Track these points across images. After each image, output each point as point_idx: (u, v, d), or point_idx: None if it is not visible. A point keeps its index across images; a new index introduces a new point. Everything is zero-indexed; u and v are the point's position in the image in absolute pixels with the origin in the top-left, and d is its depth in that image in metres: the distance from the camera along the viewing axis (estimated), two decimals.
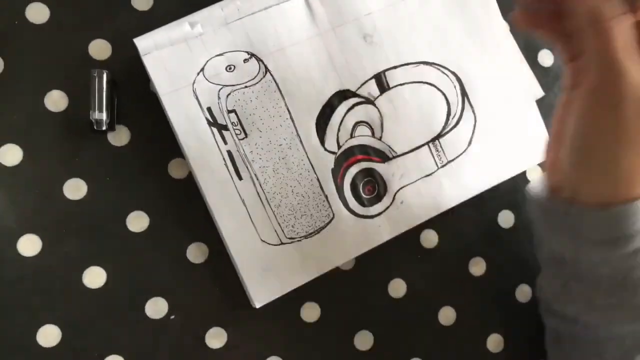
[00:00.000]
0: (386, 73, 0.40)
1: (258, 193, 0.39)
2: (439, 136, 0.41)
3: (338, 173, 0.40)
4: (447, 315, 0.42)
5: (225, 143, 0.38)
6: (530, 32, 0.34)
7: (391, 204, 0.41)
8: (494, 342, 0.43)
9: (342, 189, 0.40)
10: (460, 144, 0.42)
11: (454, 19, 0.41)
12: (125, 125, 0.38)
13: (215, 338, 0.39)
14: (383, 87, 0.40)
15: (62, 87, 0.37)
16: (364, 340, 0.41)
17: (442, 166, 0.41)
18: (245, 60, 0.38)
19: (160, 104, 0.38)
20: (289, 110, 0.39)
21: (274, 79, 0.39)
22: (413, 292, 0.41)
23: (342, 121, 0.40)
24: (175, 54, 0.37)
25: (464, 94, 0.41)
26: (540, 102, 0.43)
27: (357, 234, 0.40)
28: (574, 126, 0.31)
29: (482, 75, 0.42)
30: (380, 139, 0.41)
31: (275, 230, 0.39)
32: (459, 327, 0.42)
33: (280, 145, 0.39)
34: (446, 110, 0.41)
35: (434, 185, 0.41)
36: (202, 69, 0.38)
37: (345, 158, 0.40)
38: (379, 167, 0.41)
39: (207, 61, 0.38)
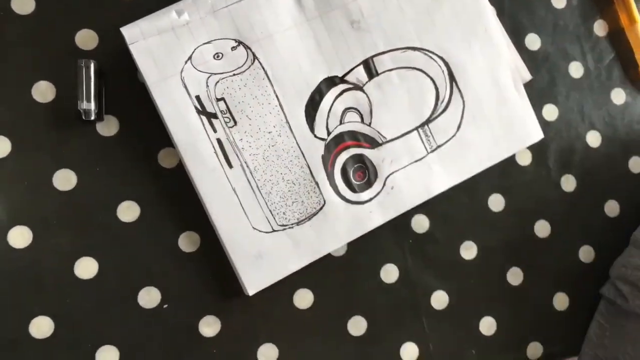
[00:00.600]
0: (374, 59, 0.40)
1: (249, 180, 0.39)
2: (428, 121, 0.42)
3: (328, 159, 0.40)
4: (439, 300, 0.42)
5: (215, 131, 0.38)
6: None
7: (382, 189, 0.41)
8: (487, 325, 0.43)
9: (332, 176, 0.40)
10: (449, 128, 0.42)
11: (441, 4, 0.41)
12: (114, 115, 0.38)
13: (209, 326, 0.39)
14: (371, 73, 0.40)
15: (49, 77, 0.37)
16: (357, 326, 0.41)
17: (432, 151, 0.42)
18: (233, 48, 0.38)
19: (148, 93, 0.37)
20: (277, 98, 0.39)
21: (262, 66, 0.39)
22: (405, 277, 0.42)
23: (331, 108, 0.40)
24: (162, 42, 0.37)
25: (452, 78, 0.42)
26: (528, 86, 0.43)
27: (348, 220, 0.40)
28: None
29: (470, 60, 0.42)
30: (369, 124, 0.41)
31: (267, 218, 0.39)
32: (452, 310, 0.42)
33: (269, 132, 0.39)
34: (434, 95, 0.41)
35: (424, 170, 0.41)
36: (190, 57, 0.38)
37: (335, 144, 0.40)
38: (369, 152, 0.41)
39: (195, 49, 0.38)
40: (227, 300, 0.39)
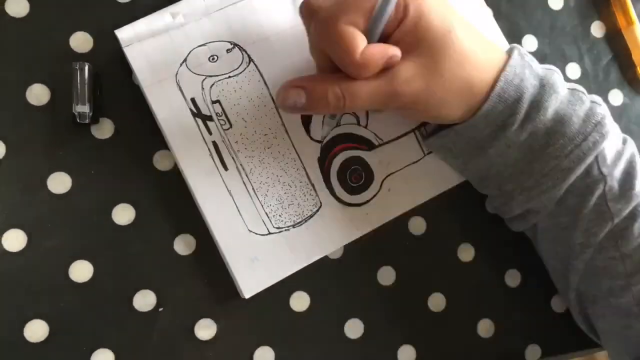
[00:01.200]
0: None
1: (244, 183, 0.38)
2: (425, 123, 0.41)
3: (324, 162, 0.40)
4: (437, 302, 0.42)
5: (210, 134, 0.38)
6: None
7: (378, 191, 0.41)
8: (484, 327, 0.43)
9: (328, 178, 0.40)
10: None
11: None
12: (109, 118, 0.38)
13: (205, 330, 0.39)
14: None
15: (43, 80, 0.37)
16: (354, 329, 0.41)
17: (429, 153, 0.41)
18: (228, 50, 0.38)
19: (143, 96, 0.37)
20: (273, 100, 0.39)
21: (257, 68, 0.39)
22: (402, 279, 0.41)
23: None
24: (157, 45, 0.37)
25: None
26: None
27: (345, 222, 0.40)
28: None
29: None
30: (366, 127, 0.41)
31: (263, 220, 0.39)
32: (449, 313, 0.42)
33: (265, 135, 0.39)
34: None
35: (421, 172, 0.41)
36: (185, 60, 0.38)
37: (331, 147, 0.40)
38: (366, 155, 0.41)
39: (190, 52, 0.38)
40: (223, 304, 0.39)
